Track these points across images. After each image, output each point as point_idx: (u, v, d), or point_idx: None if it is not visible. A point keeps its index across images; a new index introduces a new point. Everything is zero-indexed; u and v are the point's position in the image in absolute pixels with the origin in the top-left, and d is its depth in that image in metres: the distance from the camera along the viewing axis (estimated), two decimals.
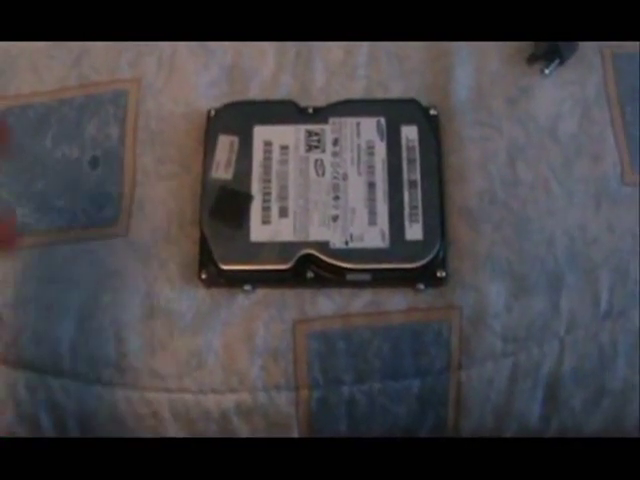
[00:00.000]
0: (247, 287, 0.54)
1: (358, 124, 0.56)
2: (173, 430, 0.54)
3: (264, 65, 0.61)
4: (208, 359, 0.54)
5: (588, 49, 0.60)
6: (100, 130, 0.59)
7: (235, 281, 0.54)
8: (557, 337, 0.54)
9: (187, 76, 0.60)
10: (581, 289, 0.54)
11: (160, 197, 0.57)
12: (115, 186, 0.58)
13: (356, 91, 0.59)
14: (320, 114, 0.57)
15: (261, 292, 0.55)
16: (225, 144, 0.56)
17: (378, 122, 0.56)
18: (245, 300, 0.55)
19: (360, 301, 0.54)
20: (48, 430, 0.54)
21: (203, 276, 0.54)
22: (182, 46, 0.61)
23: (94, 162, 0.58)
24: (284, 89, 0.60)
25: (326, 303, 0.54)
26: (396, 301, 0.54)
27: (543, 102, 0.58)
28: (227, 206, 0.54)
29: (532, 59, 0.59)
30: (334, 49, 0.61)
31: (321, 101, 0.58)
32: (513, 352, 0.54)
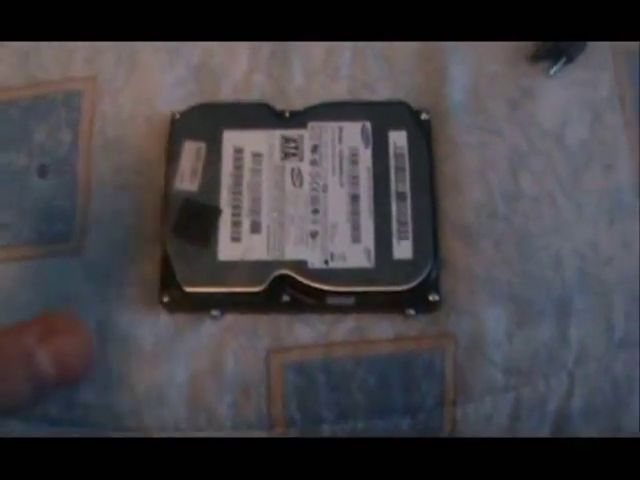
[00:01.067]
0: (215, 312, 0.55)
1: (340, 129, 0.57)
2: None
3: (236, 64, 0.62)
4: (171, 394, 0.55)
5: (598, 46, 0.61)
6: (50, 135, 0.60)
7: (201, 305, 0.55)
8: (565, 369, 0.55)
9: (150, 75, 0.62)
10: (593, 315, 0.55)
11: (118, 211, 0.58)
12: (67, 198, 0.58)
13: (338, 93, 0.61)
14: (298, 118, 0.58)
15: (231, 318, 0.56)
16: (191, 151, 0.57)
17: (363, 127, 0.57)
18: (212, 327, 0.55)
19: (343, 328, 0.55)
20: None
21: (165, 300, 0.54)
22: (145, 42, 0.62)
23: (43, 171, 0.59)
24: (258, 90, 0.61)
25: (304, 330, 0.55)
26: (383, 328, 0.55)
27: (548, 105, 0.60)
28: (192, 221, 0.55)
29: (536, 58, 0.61)
30: (314, 47, 0.62)
31: (299, 104, 0.59)
32: (515, 386, 0.55)
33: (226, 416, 0.55)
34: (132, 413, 0.55)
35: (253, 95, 0.61)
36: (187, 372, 0.55)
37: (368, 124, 0.58)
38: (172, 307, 0.55)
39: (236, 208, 0.56)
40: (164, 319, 0.56)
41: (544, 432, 0.55)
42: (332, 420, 0.55)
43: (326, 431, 0.55)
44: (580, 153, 0.59)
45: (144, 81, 0.62)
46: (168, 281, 0.54)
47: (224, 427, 0.55)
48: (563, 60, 0.60)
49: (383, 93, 0.61)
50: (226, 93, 0.61)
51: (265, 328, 0.56)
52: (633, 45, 0.61)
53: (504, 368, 0.55)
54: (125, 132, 0.60)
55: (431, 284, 0.54)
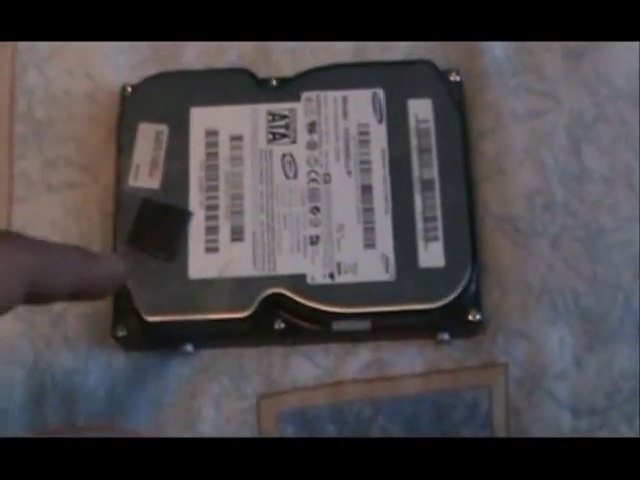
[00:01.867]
0: (187, 347, 0.58)
1: (345, 100, 0.61)
2: None
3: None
4: None
5: None
6: None
7: (169, 340, 0.58)
8: None
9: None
10: None
11: (52, 219, 0.61)
12: None
13: (340, 51, 0.64)
14: (288, 87, 0.61)
15: (207, 354, 0.59)
16: (148, 136, 0.60)
17: (374, 95, 0.61)
18: (184, 367, 0.59)
19: (355, 362, 0.58)
20: None
21: (120, 333, 0.57)
22: None
23: None
24: (234, 51, 0.65)
25: (304, 367, 0.58)
26: (408, 360, 0.58)
27: (620, 54, 0.63)
28: (153, 229, 0.58)
29: None
30: None
31: (289, 67, 0.63)
32: (588, 429, 0.57)
33: None
34: None
35: (227, 58, 0.65)
36: (151, 428, 0.58)
37: (381, 92, 0.61)
38: (130, 343, 0.58)
39: (211, 209, 0.59)
40: (119, 359, 0.59)
41: None
42: None
43: None
44: None
45: (80, 44, 0.65)
46: (124, 309, 0.57)
47: None
48: None
49: (399, 48, 0.65)
50: (191, 57, 0.65)
51: (253, 366, 0.59)
52: None
53: (572, 407, 0.58)
54: (59, 114, 0.64)
55: (470, 299, 0.57)
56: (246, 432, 0.58)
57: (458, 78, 0.61)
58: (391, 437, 0.57)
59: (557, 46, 0.63)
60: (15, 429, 0.58)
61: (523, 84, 0.63)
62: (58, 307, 0.59)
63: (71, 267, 0.48)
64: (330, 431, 0.57)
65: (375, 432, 0.57)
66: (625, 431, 0.57)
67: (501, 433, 0.57)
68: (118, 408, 0.58)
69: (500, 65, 0.63)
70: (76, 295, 0.48)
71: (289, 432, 0.57)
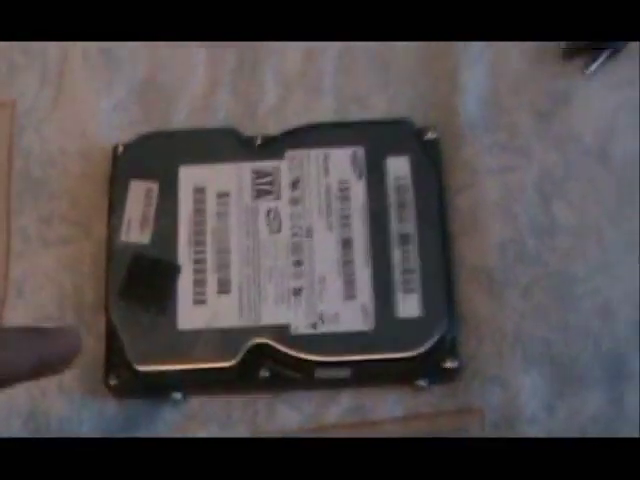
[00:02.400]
0: (176, 395, 0.58)
1: (326, 157, 0.61)
2: None
3: (192, 78, 0.66)
4: None
5: None
6: None
7: (159, 388, 0.58)
8: None
9: (82, 98, 0.66)
10: None
11: (47, 272, 0.62)
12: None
13: (322, 111, 0.65)
14: (272, 146, 0.61)
15: (196, 401, 0.59)
16: (139, 193, 0.60)
17: (354, 153, 0.61)
18: (173, 414, 0.59)
19: (337, 408, 0.59)
20: None
21: (112, 382, 0.57)
22: (75, 56, 0.67)
23: None
24: (221, 112, 0.65)
25: (289, 413, 0.59)
26: (388, 406, 0.59)
27: (588, 113, 0.64)
28: (144, 282, 0.58)
29: (570, 54, 0.64)
30: (290, 52, 0.66)
31: (274, 126, 0.64)
32: None
33: None
34: None
35: (215, 118, 0.65)
36: None
37: (360, 150, 0.61)
38: (122, 391, 0.58)
39: (199, 263, 0.59)
40: (111, 408, 0.59)
41: None
42: None
43: None
44: (629, 172, 0.62)
45: (75, 107, 0.66)
46: (115, 359, 0.58)
47: None
48: (605, 54, 0.64)
49: (377, 108, 0.65)
50: (179, 117, 0.66)
51: (240, 413, 0.59)
52: None
53: None
54: (54, 173, 0.64)
55: (447, 347, 0.58)
56: None
57: (435, 136, 0.62)
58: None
59: (528, 105, 0.64)
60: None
61: (496, 142, 0.63)
62: None
63: (28, 350, 0.47)
64: None
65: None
66: None
67: None
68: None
69: (475, 123, 0.64)
70: (36, 374, 0.48)
71: None
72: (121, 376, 0.57)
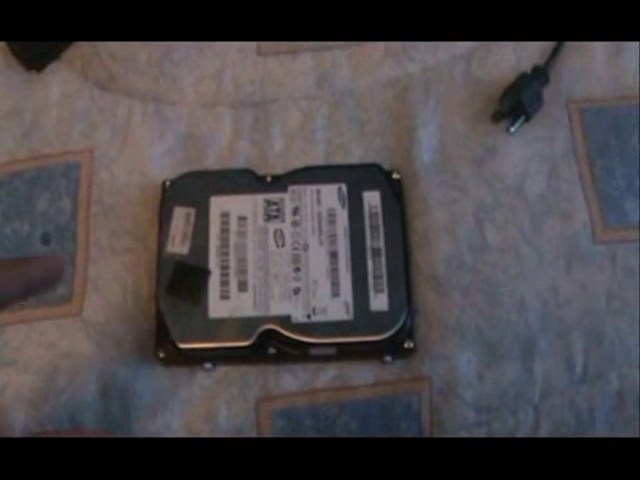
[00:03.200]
0: (207, 365, 0.56)
1: (318, 191, 0.58)
2: None
3: (220, 132, 0.63)
4: None
5: (554, 105, 0.62)
6: (52, 204, 0.61)
7: (194, 359, 0.56)
8: (532, 404, 0.56)
9: (141, 146, 0.63)
10: (555, 353, 0.56)
11: (115, 273, 0.59)
12: (68, 263, 0.60)
13: (316, 155, 0.62)
14: (279, 182, 0.59)
15: (222, 369, 0.57)
16: (181, 216, 0.58)
17: (339, 189, 0.58)
18: (205, 379, 0.57)
19: (325, 376, 0.56)
20: None
21: (161, 355, 0.55)
22: (136, 115, 0.64)
23: (46, 238, 0.61)
24: (242, 156, 0.62)
25: (290, 379, 0.56)
26: (363, 375, 0.56)
27: (510, 161, 0.61)
28: (184, 282, 0.56)
29: (497, 117, 0.62)
30: (293, 113, 0.64)
31: (280, 168, 0.61)
32: (486, 422, 0.56)
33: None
34: None
35: (237, 161, 0.62)
36: (182, 421, 0.56)
37: (344, 186, 0.59)
38: (167, 361, 0.56)
39: (224, 268, 0.56)
40: (160, 372, 0.57)
41: None
42: None
43: None
44: (539, 204, 0.60)
45: (136, 152, 0.63)
46: (163, 338, 0.55)
47: None
48: (522, 118, 0.62)
49: (357, 154, 0.62)
50: (211, 159, 0.63)
51: (254, 379, 0.57)
52: (586, 100, 0.63)
53: (475, 406, 0.56)
54: (120, 200, 0.62)
55: (406, 333, 0.55)
56: (248, 425, 0.56)
57: (398, 176, 0.59)
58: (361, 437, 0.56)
59: (466, 155, 0.62)
60: (84, 418, 0.57)
61: (443, 181, 0.61)
62: (120, 333, 0.58)
63: (17, 276, 0.45)
64: (307, 424, 0.56)
65: (339, 426, 0.55)
66: (511, 422, 0.56)
67: (427, 426, 0.55)
68: (160, 405, 0.57)
69: (427, 167, 0.61)
70: (25, 295, 0.46)
71: (279, 425, 0.56)
72: (167, 350, 0.55)
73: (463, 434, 0.55)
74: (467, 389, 0.56)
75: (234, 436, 0.55)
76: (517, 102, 0.61)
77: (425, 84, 0.64)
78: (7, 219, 0.62)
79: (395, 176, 0.59)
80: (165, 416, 0.56)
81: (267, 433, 0.55)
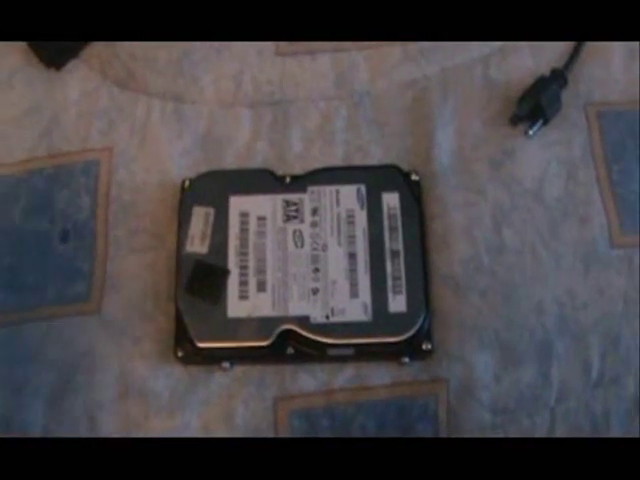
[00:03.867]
0: (225, 364, 0.56)
1: (337, 192, 0.58)
2: None
3: (239, 132, 0.63)
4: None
5: (572, 108, 0.62)
6: (71, 202, 0.61)
7: (213, 359, 0.55)
8: (548, 407, 0.56)
9: (160, 144, 0.63)
10: (571, 357, 0.56)
11: (134, 271, 0.59)
12: (86, 261, 0.60)
13: (335, 157, 0.62)
14: (298, 183, 0.58)
15: (240, 369, 0.56)
16: (200, 216, 0.57)
17: (358, 190, 0.58)
18: (223, 378, 0.56)
19: (343, 376, 0.56)
20: None
21: (179, 354, 0.55)
22: (155, 114, 0.64)
23: (65, 236, 0.61)
24: (260, 156, 0.62)
25: (307, 379, 0.56)
26: (380, 375, 0.56)
27: (528, 164, 0.61)
28: (203, 281, 0.56)
29: (515, 120, 0.62)
30: (311, 114, 0.63)
31: (299, 168, 0.61)
32: (503, 424, 0.56)
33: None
34: None
35: (255, 161, 0.62)
36: (200, 420, 0.56)
37: (363, 187, 0.58)
38: (186, 360, 0.56)
39: (243, 268, 0.56)
40: (178, 371, 0.57)
41: None
42: None
43: None
44: (557, 208, 0.60)
45: (155, 151, 0.63)
46: (182, 337, 0.55)
47: None
48: (541, 122, 0.61)
49: (376, 156, 0.62)
50: (230, 159, 0.63)
51: (272, 378, 0.56)
52: (604, 104, 0.63)
53: (492, 408, 0.56)
54: (139, 198, 0.61)
55: (424, 334, 0.55)
56: (265, 424, 0.56)
57: (417, 177, 0.59)
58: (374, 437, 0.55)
59: (484, 158, 0.61)
60: (103, 416, 0.57)
61: (461, 183, 0.61)
62: (139, 332, 0.58)
63: None
64: (324, 424, 0.56)
65: (355, 426, 0.55)
66: (526, 424, 0.56)
67: (443, 427, 0.55)
68: (177, 405, 0.56)
69: (446, 170, 0.61)
70: None
71: (296, 425, 0.55)
72: (185, 349, 0.55)
73: (479, 437, 0.55)
74: (484, 391, 0.56)
75: (251, 436, 0.55)
76: (536, 105, 0.61)
77: (443, 86, 0.64)
78: (26, 216, 0.61)
79: (414, 177, 0.59)
80: (183, 416, 0.56)
81: (284, 433, 0.55)
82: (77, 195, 0.62)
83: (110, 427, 0.55)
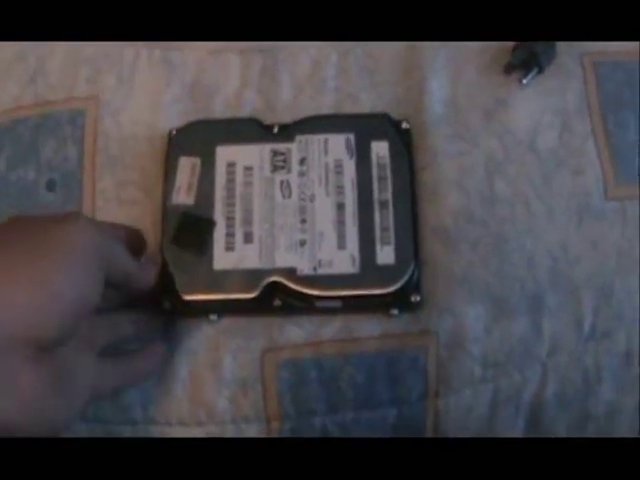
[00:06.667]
0: (212, 317, 0.55)
1: (326, 141, 0.57)
2: None
3: (228, 81, 0.62)
4: (175, 388, 0.55)
5: (567, 57, 0.61)
6: (57, 152, 0.60)
7: (199, 311, 0.55)
8: (539, 361, 0.55)
9: (148, 93, 0.61)
10: (563, 310, 0.56)
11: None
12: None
13: (325, 105, 0.61)
14: (286, 132, 0.57)
15: (227, 321, 0.56)
16: (186, 166, 0.57)
17: (347, 139, 0.57)
18: (210, 329, 0.56)
19: (331, 328, 0.56)
20: None
21: (166, 305, 0.54)
22: (142, 62, 0.62)
23: (51, 185, 0.60)
24: (249, 105, 0.61)
25: (295, 331, 0.56)
26: (369, 327, 0.55)
27: (521, 114, 0.60)
28: (189, 233, 0.55)
29: (509, 68, 0.60)
30: (302, 61, 0.62)
31: (288, 117, 0.59)
32: (493, 378, 0.55)
33: (225, 410, 0.55)
34: (139, 406, 0.56)
35: (244, 110, 0.61)
36: (188, 369, 0.56)
37: (352, 136, 0.57)
38: (172, 312, 0.55)
39: (230, 220, 0.55)
40: (166, 322, 0.56)
41: (520, 420, 0.56)
42: (323, 412, 0.55)
43: (317, 422, 0.55)
44: (551, 159, 0.59)
45: (143, 100, 0.62)
46: (168, 289, 0.54)
47: (223, 421, 0.55)
48: (535, 70, 0.60)
49: (367, 103, 0.61)
50: (219, 109, 0.61)
51: (259, 329, 0.56)
52: (601, 53, 0.61)
53: (482, 361, 0.55)
54: (126, 149, 0.60)
55: (413, 286, 0.54)
56: (253, 376, 0.55)
57: (407, 126, 0.58)
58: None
59: (477, 106, 0.60)
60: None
61: (453, 133, 0.59)
62: None
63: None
64: (312, 376, 0.55)
65: (344, 377, 0.55)
66: (518, 378, 0.55)
67: (432, 380, 0.55)
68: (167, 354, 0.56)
69: (438, 119, 0.60)
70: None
71: (284, 376, 0.55)
72: (172, 301, 0.54)
73: (469, 391, 0.55)
74: (474, 344, 0.55)
75: (239, 387, 0.55)
76: (530, 53, 0.59)
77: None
78: (12, 166, 0.60)
79: (404, 126, 0.58)
80: (171, 365, 0.56)
81: (272, 385, 0.55)
82: (64, 145, 0.60)
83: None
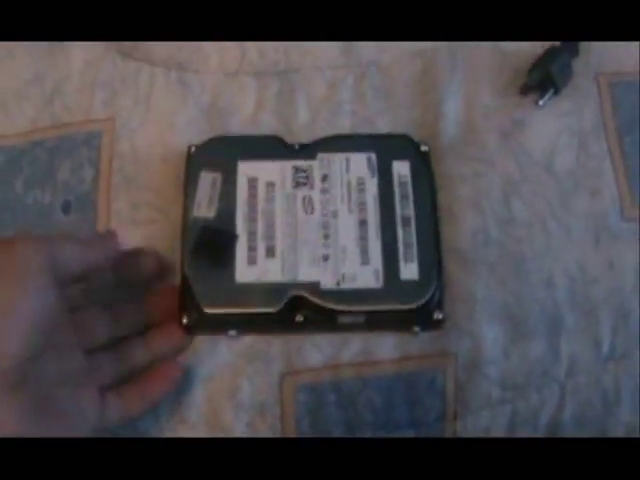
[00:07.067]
0: (232, 332, 0.54)
1: (347, 160, 0.57)
2: None
3: (244, 103, 0.62)
4: (191, 414, 0.54)
5: (583, 78, 0.61)
6: (73, 173, 0.60)
7: (219, 326, 0.54)
8: (557, 382, 0.55)
9: (163, 115, 0.61)
10: (581, 331, 0.55)
11: (136, 244, 0.57)
12: (88, 233, 0.58)
13: (341, 128, 0.61)
14: (307, 150, 0.57)
15: (247, 338, 0.55)
16: (207, 181, 0.56)
17: (368, 158, 0.57)
18: (229, 352, 0.55)
19: (350, 350, 0.55)
20: None
21: (184, 321, 0.53)
22: (159, 84, 0.62)
23: (67, 207, 0.59)
24: (265, 127, 0.61)
25: (314, 353, 0.55)
26: (387, 349, 0.55)
27: (538, 135, 0.60)
28: (210, 246, 0.54)
29: (525, 89, 0.61)
30: (317, 84, 0.62)
31: (305, 139, 0.59)
32: (511, 399, 0.55)
33: (242, 434, 0.54)
34: (156, 432, 0.54)
35: (261, 132, 0.61)
36: (205, 394, 0.55)
37: (373, 155, 0.57)
38: (191, 328, 0.54)
39: (252, 234, 0.55)
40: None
41: None
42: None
43: None
44: (568, 180, 0.59)
45: (159, 121, 0.61)
46: (188, 303, 0.53)
47: None
48: (551, 91, 0.61)
49: (382, 127, 0.61)
50: (235, 130, 0.61)
51: (278, 352, 0.55)
52: (616, 74, 0.62)
53: (500, 383, 0.55)
54: (142, 170, 0.60)
55: (436, 303, 0.54)
56: (271, 400, 0.54)
57: (426, 148, 0.58)
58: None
59: (493, 128, 0.60)
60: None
61: (469, 154, 0.59)
62: None
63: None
64: (331, 399, 0.54)
65: (362, 401, 0.54)
66: (535, 400, 0.55)
67: (451, 402, 0.54)
68: (182, 379, 0.54)
69: (454, 140, 0.60)
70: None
71: (302, 400, 0.54)
72: (191, 316, 0.53)
73: (487, 412, 0.55)
74: (492, 365, 0.55)
75: (257, 410, 0.54)
76: (546, 75, 0.60)
77: (451, 56, 0.63)
78: (28, 187, 0.60)
79: (423, 148, 0.58)
80: (188, 389, 0.55)
81: (290, 407, 0.54)
82: (79, 167, 0.60)
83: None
